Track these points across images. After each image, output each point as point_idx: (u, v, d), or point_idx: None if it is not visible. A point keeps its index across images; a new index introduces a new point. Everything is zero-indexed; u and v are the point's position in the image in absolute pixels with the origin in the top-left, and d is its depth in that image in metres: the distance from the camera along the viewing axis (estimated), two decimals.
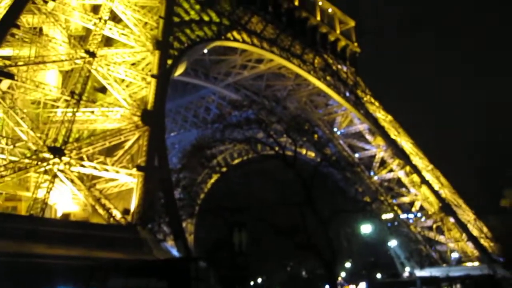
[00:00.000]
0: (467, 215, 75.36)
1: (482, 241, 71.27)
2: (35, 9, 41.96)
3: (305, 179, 27.75)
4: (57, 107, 41.00)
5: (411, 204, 76.10)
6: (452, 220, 72.38)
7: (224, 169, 39.23)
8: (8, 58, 40.17)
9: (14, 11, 41.10)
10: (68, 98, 39.47)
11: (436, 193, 73.58)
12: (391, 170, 77.10)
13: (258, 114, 29.26)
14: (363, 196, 54.84)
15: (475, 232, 72.30)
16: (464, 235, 71.42)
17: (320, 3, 78.26)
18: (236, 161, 77.65)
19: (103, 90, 45.37)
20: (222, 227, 26.41)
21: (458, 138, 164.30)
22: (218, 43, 57.66)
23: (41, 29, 44.08)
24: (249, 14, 64.21)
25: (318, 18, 77.50)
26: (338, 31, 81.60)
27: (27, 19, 43.07)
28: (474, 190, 78.17)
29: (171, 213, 36.61)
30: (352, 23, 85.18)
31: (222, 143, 30.18)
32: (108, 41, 47.48)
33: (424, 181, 74.11)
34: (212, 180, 63.50)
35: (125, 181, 40.10)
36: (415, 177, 74.69)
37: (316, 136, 35.90)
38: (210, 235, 38.62)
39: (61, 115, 39.31)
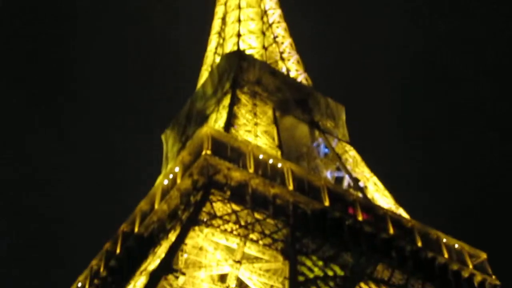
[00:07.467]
0: None
1: None
2: (168, 285, 44.16)
3: None
4: None
5: None
6: None
7: None
8: None
9: None
10: None
11: None
12: None
13: None
14: None
15: None
16: None
17: (444, 240, 75.74)
18: None
19: None
20: None
21: None
22: None
23: None
24: (373, 262, 63.09)
25: (446, 255, 74.26)
26: (471, 266, 76.90)
27: None
28: None
29: None
30: (484, 256, 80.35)
31: None
32: None
33: None
34: None
35: None
36: None
37: None
38: None
39: None
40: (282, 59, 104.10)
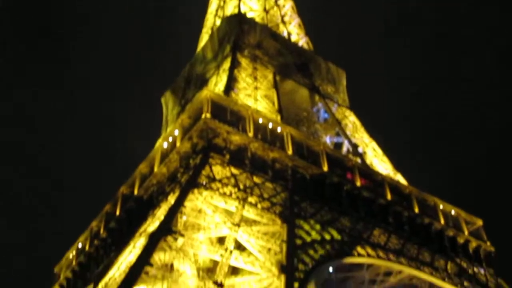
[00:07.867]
0: None
1: None
2: (167, 246, 44.59)
3: None
4: None
5: None
6: None
7: None
8: None
9: (149, 250, 44.07)
10: None
11: None
12: None
13: None
14: None
15: None
16: None
17: (441, 207, 76.33)
18: None
19: None
20: None
21: None
22: (342, 260, 56.68)
23: (172, 265, 46.24)
24: (370, 227, 63.74)
25: (442, 222, 74.96)
26: (466, 232, 77.72)
27: (159, 257, 45.62)
28: None
29: None
30: (479, 222, 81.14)
31: None
32: (234, 270, 48.42)
33: None
34: None
35: None
36: None
37: None
38: None
39: None
40: (283, 22, 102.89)
